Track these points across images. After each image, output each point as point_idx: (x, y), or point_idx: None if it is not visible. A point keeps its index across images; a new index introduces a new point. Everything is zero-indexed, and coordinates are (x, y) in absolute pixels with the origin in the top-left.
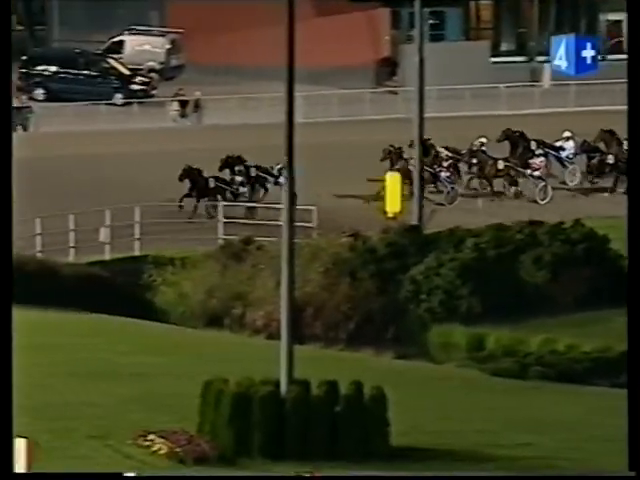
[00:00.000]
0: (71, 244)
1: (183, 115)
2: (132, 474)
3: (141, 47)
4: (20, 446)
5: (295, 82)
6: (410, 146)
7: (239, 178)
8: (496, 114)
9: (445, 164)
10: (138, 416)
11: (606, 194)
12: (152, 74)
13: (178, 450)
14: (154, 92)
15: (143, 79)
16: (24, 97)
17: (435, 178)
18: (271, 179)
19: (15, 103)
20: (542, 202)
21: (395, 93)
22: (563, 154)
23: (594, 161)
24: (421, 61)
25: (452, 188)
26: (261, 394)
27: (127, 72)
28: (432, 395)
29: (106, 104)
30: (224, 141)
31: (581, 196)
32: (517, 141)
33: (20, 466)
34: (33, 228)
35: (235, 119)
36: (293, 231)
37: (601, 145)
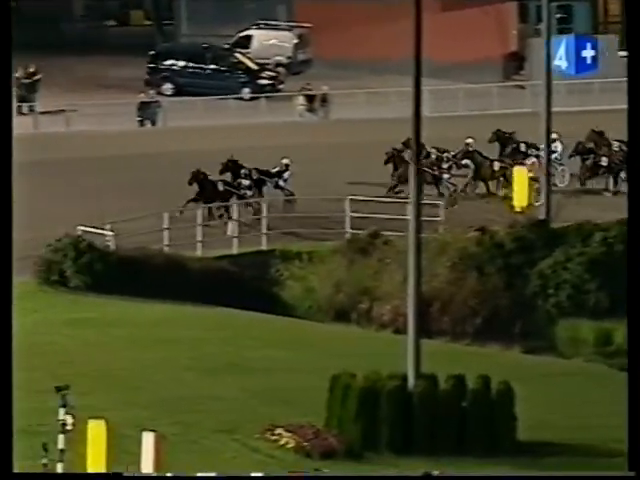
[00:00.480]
0: (199, 238)
1: (310, 110)
2: (132, 474)
3: (269, 42)
4: (148, 440)
5: (422, 76)
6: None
7: (246, 182)
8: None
9: (445, 165)
10: (265, 410)
11: (608, 194)
12: (279, 69)
13: (305, 444)
14: (281, 87)
15: (270, 74)
16: (152, 92)
17: (436, 180)
18: (271, 182)
19: (144, 98)
20: (536, 204)
21: (522, 87)
22: (552, 155)
23: (588, 163)
24: (548, 55)
25: (454, 190)
26: (388, 388)
27: (255, 67)
28: (559, 390)
29: (234, 99)
30: (351, 136)
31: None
32: (507, 142)
33: (148, 459)
34: (161, 222)
35: (362, 114)
36: (420, 225)
37: (591, 146)
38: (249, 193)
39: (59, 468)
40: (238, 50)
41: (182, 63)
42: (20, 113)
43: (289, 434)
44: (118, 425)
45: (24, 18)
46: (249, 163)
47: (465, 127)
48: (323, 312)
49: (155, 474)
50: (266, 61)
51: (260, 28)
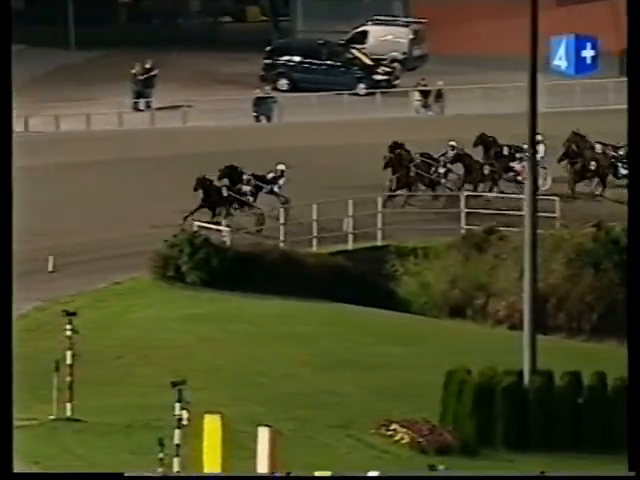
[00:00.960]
0: (314, 234)
1: (425, 105)
2: (134, 474)
3: (384, 37)
4: (263, 435)
5: (537, 72)
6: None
7: (247, 187)
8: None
9: (442, 170)
10: (380, 406)
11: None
12: (395, 64)
13: (420, 440)
14: (397, 82)
15: (386, 69)
16: (268, 87)
17: (433, 184)
18: (266, 188)
19: (259, 94)
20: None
21: None
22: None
23: (577, 166)
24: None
25: (450, 195)
26: (504, 384)
27: (370, 62)
28: None
29: (349, 94)
30: (466, 131)
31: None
32: (490, 146)
33: (263, 455)
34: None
35: (478, 109)
36: (536, 221)
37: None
38: (252, 199)
39: (175, 463)
40: (354, 46)
41: (298, 59)
42: (136, 109)
43: (404, 430)
44: (234, 420)
45: (142, 14)
46: (367, 160)
47: (580, 122)
48: (438, 308)
49: (157, 474)
50: (381, 57)
51: (376, 24)
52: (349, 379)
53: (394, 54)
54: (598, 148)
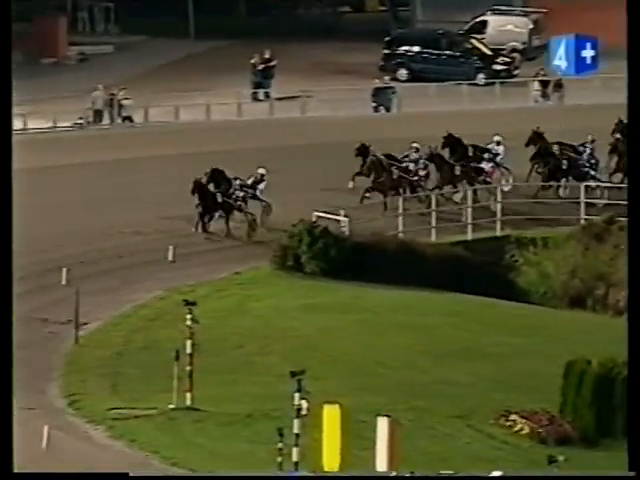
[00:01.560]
0: (433, 224)
1: (544, 95)
2: (135, 474)
3: (504, 27)
4: (383, 425)
5: None
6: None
7: (240, 193)
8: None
9: (422, 173)
10: (499, 396)
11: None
12: (514, 54)
13: (540, 430)
14: (516, 72)
15: (505, 59)
16: (386, 78)
17: (413, 186)
18: (249, 192)
19: (378, 84)
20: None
21: None
22: (497, 158)
23: (550, 166)
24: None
25: (427, 196)
26: (624, 375)
27: (489, 52)
28: None
29: (468, 84)
30: (584, 121)
31: None
32: (456, 147)
33: (382, 445)
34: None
35: (597, 99)
36: None
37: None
38: (244, 205)
39: (294, 453)
40: (473, 36)
41: (417, 49)
42: (256, 99)
43: (524, 420)
44: (353, 410)
45: (262, 5)
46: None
47: None
48: (558, 298)
49: (161, 474)
50: (501, 47)
51: (495, 14)
52: (468, 369)
53: (514, 44)
54: (555, 149)
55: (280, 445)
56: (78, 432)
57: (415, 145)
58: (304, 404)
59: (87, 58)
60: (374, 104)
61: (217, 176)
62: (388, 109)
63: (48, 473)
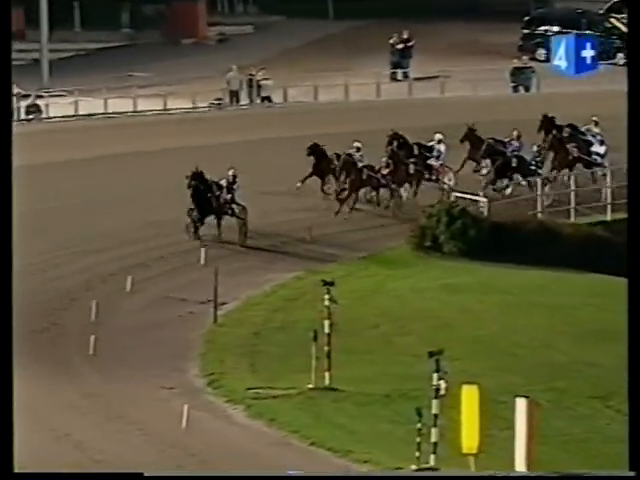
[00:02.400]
0: (572, 205)
1: None
2: (154, 474)
3: None
4: (521, 406)
5: None
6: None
7: (228, 195)
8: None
9: (385, 171)
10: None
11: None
12: None
13: None
14: None
15: None
16: (525, 57)
17: (379, 185)
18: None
19: (517, 64)
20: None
21: None
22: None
23: (498, 163)
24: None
25: (399, 197)
26: None
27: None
28: None
29: (607, 64)
30: None
31: None
32: (402, 145)
33: (521, 425)
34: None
35: None
36: None
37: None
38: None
39: (433, 433)
40: (613, 15)
41: (556, 29)
42: (394, 79)
43: None
44: (491, 391)
45: None
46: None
47: None
48: None
49: (175, 474)
50: None
51: None
52: (608, 350)
53: None
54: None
55: (419, 425)
56: (217, 411)
57: (356, 145)
58: (442, 384)
59: (227, 38)
60: (513, 84)
61: (197, 179)
62: (527, 89)
63: (48, 473)
